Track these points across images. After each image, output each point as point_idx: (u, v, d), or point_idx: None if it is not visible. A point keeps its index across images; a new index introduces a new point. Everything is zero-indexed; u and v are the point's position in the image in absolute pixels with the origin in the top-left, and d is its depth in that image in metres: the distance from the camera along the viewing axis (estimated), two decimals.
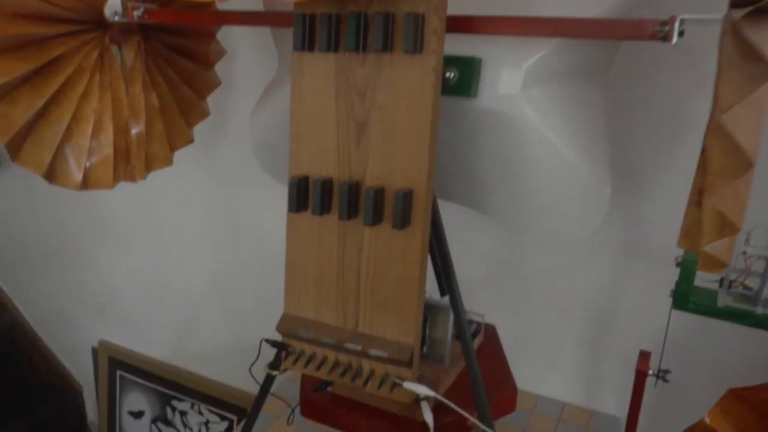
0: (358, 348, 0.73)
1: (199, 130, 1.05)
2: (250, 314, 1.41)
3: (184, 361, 1.55)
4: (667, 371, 0.89)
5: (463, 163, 0.77)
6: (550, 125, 0.73)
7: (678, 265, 0.82)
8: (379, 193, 0.68)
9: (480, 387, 0.78)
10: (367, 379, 0.73)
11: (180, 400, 1.57)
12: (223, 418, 1.52)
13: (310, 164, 0.72)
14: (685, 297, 0.81)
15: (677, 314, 1.05)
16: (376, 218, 0.68)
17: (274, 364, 0.88)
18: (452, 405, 0.73)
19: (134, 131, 0.98)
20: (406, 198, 0.67)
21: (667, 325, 0.86)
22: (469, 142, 0.75)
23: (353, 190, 0.69)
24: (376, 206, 0.68)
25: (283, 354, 0.77)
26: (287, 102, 0.80)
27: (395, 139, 0.67)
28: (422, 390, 0.72)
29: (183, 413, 1.58)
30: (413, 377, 0.73)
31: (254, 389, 1.49)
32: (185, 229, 1.40)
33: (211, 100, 1.06)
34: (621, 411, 1.16)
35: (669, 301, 1.02)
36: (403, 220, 0.67)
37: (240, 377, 1.48)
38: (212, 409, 1.53)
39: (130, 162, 0.98)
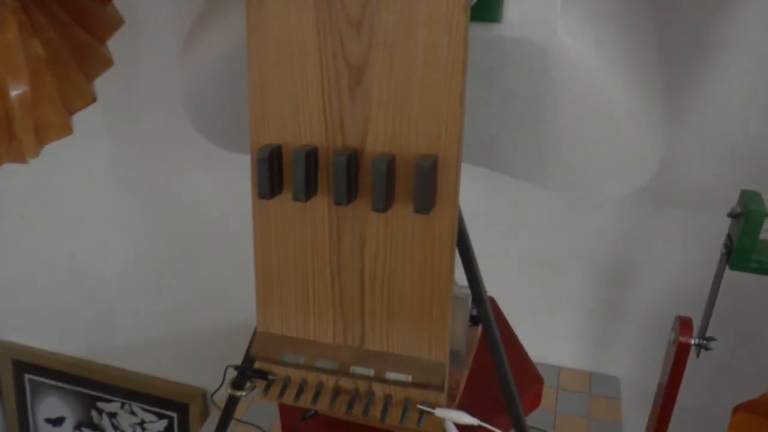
0: (370, 372, 0.54)
1: (102, 84, 0.80)
2: (184, 296, 1.19)
3: (109, 357, 1.32)
4: (711, 339, 0.75)
5: (480, 109, 0.57)
6: (592, 57, 0.55)
7: (734, 216, 0.67)
8: (392, 164, 0.48)
9: (515, 397, 0.61)
10: (384, 409, 0.54)
11: (107, 400, 1.35)
12: (161, 416, 1.31)
13: (283, 129, 0.51)
14: (747, 255, 0.66)
15: (699, 267, 0.92)
16: (388, 200, 0.48)
17: (239, 383, 0.67)
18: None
19: (14, 93, 0.72)
20: (433, 168, 0.47)
21: (717, 288, 0.71)
22: (491, 83, 0.55)
23: (352, 161, 0.49)
24: (389, 183, 0.48)
25: (264, 385, 0.57)
26: (232, 36, 0.58)
27: (410, 86, 0.47)
28: (463, 418, 0.54)
29: (112, 415, 1.36)
30: (445, 402, 0.55)
31: (197, 381, 1.28)
32: (95, 205, 1.15)
33: (114, 44, 0.81)
34: (620, 371, 1.03)
35: (696, 256, 0.89)
36: (429, 200, 0.47)
37: (178, 369, 1.28)
38: (147, 407, 1.32)
39: (14, 136, 0.73)
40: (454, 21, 0.45)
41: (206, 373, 1.24)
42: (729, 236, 0.69)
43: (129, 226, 1.17)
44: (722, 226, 0.88)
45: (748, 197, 0.66)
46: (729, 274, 0.72)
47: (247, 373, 0.57)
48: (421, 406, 0.54)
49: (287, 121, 0.51)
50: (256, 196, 0.53)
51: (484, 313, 0.60)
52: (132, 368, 1.31)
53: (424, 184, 0.47)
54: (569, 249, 0.95)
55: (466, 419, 0.54)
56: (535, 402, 0.74)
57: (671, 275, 0.94)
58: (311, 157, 0.50)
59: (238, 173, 1.03)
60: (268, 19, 0.49)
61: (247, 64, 0.51)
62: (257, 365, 0.57)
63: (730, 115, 0.82)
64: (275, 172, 0.51)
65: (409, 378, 0.54)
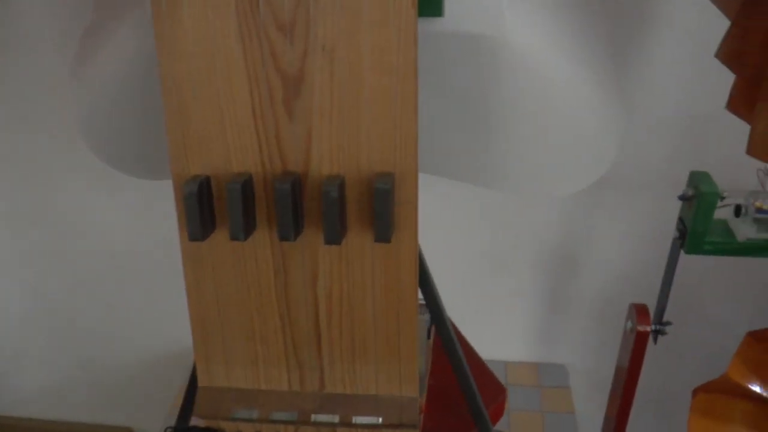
0: (335, 418, 0.48)
1: None
2: (98, 330, 1.08)
3: (19, 407, 1.19)
4: (667, 323, 0.73)
5: (423, 112, 0.52)
6: (544, 49, 0.50)
7: (686, 198, 0.64)
8: (342, 188, 0.41)
9: (484, 416, 0.56)
10: None
11: None
12: None
13: (210, 156, 0.43)
14: (701, 237, 0.64)
15: (642, 251, 0.91)
16: (342, 230, 0.42)
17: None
18: None
19: None
20: (393, 190, 0.41)
21: (672, 272, 0.69)
22: (434, 83, 0.50)
23: (297, 188, 0.42)
24: (342, 210, 0.42)
25: None
26: (130, 51, 0.50)
27: (357, 96, 0.41)
28: None
29: None
30: None
31: (120, 420, 1.18)
32: None
33: None
34: (567, 359, 1.01)
35: (639, 241, 0.87)
36: (390, 227, 0.41)
37: (98, 411, 1.16)
38: None
39: None
40: (403, 19, 0.39)
41: (129, 411, 1.14)
42: (681, 219, 0.66)
43: (25, 265, 1.04)
44: (663, 209, 0.87)
45: (698, 179, 0.63)
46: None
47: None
48: None
49: (214, 147, 0.43)
50: (185, 237, 0.45)
51: (447, 336, 0.55)
52: (45, 416, 1.18)
53: (384, 209, 0.41)
54: (511, 243, 0.92)
55: None
56: (498, 413, 0.70)
57: (614, 262, 0.93)
58: (248, 188, 0.43)
59: (146, 196, 0.94)
60: (182, 30, 0.41)
61: (157, 82, 0.43)
62: (207, 424, 0.50)
63: (669, 96, 0.80)
64: (206, 209, 0.43)
65: (380, 420, 0.48)
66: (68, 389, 1.17)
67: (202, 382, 0.50)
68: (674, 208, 0.80)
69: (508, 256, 0.95)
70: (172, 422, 0.94)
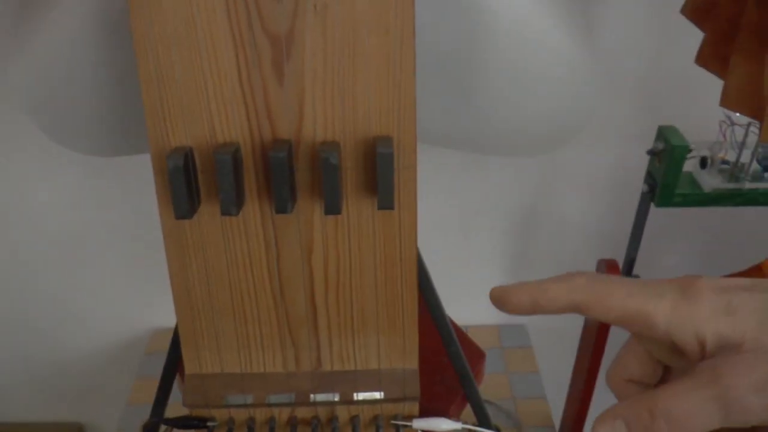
0: (334, 397, 0.46)
1: None
2: (39, 322, 1.03)
3: None
4: (635, 277, 0.75)
5: None
6: (522, 4, 0.49)
7: (656, 153, 0.65)
8: (336, 156, 0.40)
9: (473, 384, 0.56)
10: None
11: None
12: None
13: (192, 127, 0.41)
14: (671, 191, 0.65)
15: (602, 208, 0.92)
16: (340, 199, 0.40)
17: (152, 425, 0.57)
18: None
19: None
20: (391, 155, 0.39)
21: (642, 226, 0.70)
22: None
23: (290, 158, 0.40)
24: (339, 178, 0.40)
25: None
26: (86, 10, 0.46)
27: (352, 57, 0.39)
28: (443, 425, 0.48)
29: None
30: (417, 410, 0.49)
31: (71, 416, 1.13)
32: None
33: None
34: (528, 319, 1.03)
35: (600, 196, 0.88)
36: (392, 193, 0.40)
37: (42, 408, 1.11)
38: None
39: None
40: None
41: (78, 406, 1.09)
42: (650, 173, 0.68)
43: None
44: (619, 164, 0.89)
45: (668, 132, 0.64)
46: (633, 208, 0.72)
47: (185, 422, 0.47)
48: (396, 422, 0.48)
49: (197, 116, 0.41)
50: (168, 216, 0.42)
51: (433, 299, 0.54)
52: None
53: (388, 174, 0.39)
54: (470, 205, 0.92)
55: (447, 425, 0.48)
56: (479, 378, 0.70)
57: (574, 219, 0.94)
58: (237, 159, 0.40)
59: (83, 176, 0.89)
60: None
61: (117, 48, 0.40)
62: (194, 412, 0.48)
63: (628, 52, 0.80)
64: (191, 185, 0.41)
65: (381, 394, 0.47)
66: (8, 387, 1.11)
67: (189, 369, 0.47)
68: (630, 162, 0.82)
69: (467, 218, 0.95)
70: (131, 416, 0.91)
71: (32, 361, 1.07)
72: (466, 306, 1.02)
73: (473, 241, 0.97)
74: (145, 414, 0.55)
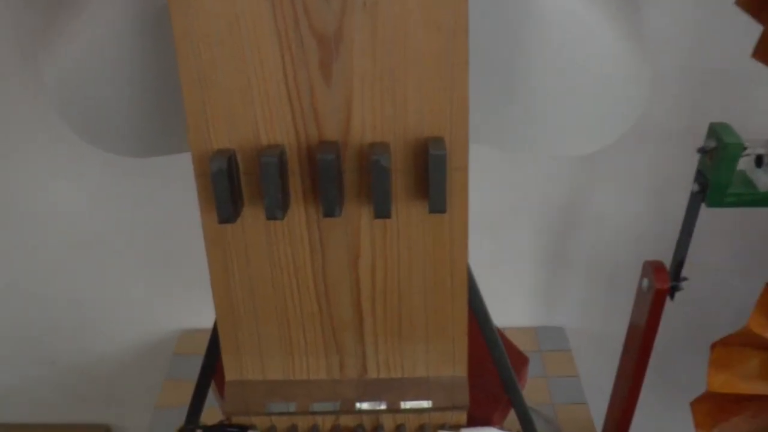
0: (381, 405, 0.46)
1: None
2: (64, 324, 1.04)
3: None
4: (684, 279, 0.74)
5: None
6: None
7: (707, 150, 0.64)
8: (388, 158, 0.39)
9: (518, 392, 0.56)
10: None
11: None
12: None
13: (235, 129, 0.40)
14: (723, 189, 0.64)
15: (643, 207, 0.91)
16: (390, 202, 0.40)
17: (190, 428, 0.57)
18: None
19: None
20: (444, 156, 0.39)
21: (691, 227, 0.69)
22: None
23: (338, 160, 0.39)
24: (390, 181, 0.40)
25: None
26: (128, 4, 0.46)
27: (403, 56, 0.38)
28: None
29: None
30: (465, 420, 0.48)
31: (98, 418, 1.14)
32: None
33: None
34: (564, 321, 1.02)
35: (638, 196, 0.87)
36: (444, 196, 0.39)
37: (69, 409, 1.12)
38: None
39: None
40: None
41: (104, 408, 1.10)
42: (700, 172, 0.66)
43: None
44: (664, 162, 0.87)
45: (720, 130, 0.63)
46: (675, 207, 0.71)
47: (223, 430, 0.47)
48: (444, 431, 0.47)
49: (240, 118, 0.40)
50: (210, 220, 0.42)
51: (479, 303, 0.54)
52: (11, 420, 1.13)
53: (440, 177, 0.39)
54: (507, 201, 0.91)
55: None
56: (522, 384, 0.69)
57: (614, 219, 0.93)
58: (283, 162, 0.40)
59: (105, 179, 0.89)
60: None
61: (154, 46, 0.40)
62: (235, 420, 0.47)
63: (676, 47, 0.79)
64: (234, 189, 0.41)
65: (429, 403, 0.46)
66: (35, 389, 1.12)
67: (230, 375, 0.47)
68: (672, 159, 0.81)
69: (503, 215, 0.94)
70: (160, 419, 0.92)
71: (59, 363, 1.08)
72: (500, 307, 1.01)
73: (507, 240, 0.96)
74: (174, 417, 0.55)
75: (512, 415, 0.59)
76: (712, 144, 0.63)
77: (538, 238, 0.97)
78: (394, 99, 0.40)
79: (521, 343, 1.02)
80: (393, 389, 0.47)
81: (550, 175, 0.91)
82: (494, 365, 0.53)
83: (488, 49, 0.49)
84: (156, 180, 0.88)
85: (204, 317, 1.00)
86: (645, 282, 0.73)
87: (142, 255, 0.96)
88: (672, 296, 0.74)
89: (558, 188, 0.92)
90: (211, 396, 0.55)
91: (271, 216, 0.40)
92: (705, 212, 0.68)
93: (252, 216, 0.43)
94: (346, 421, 0.48)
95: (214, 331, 0.54)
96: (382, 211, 0.39)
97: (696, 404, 0.73)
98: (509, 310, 1.04)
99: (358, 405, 0.47)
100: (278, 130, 0.41)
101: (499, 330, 0.70)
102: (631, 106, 0.56)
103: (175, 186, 0.88)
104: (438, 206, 0.39)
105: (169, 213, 0.91)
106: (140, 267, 0.98)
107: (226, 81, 0.40)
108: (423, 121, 0.40)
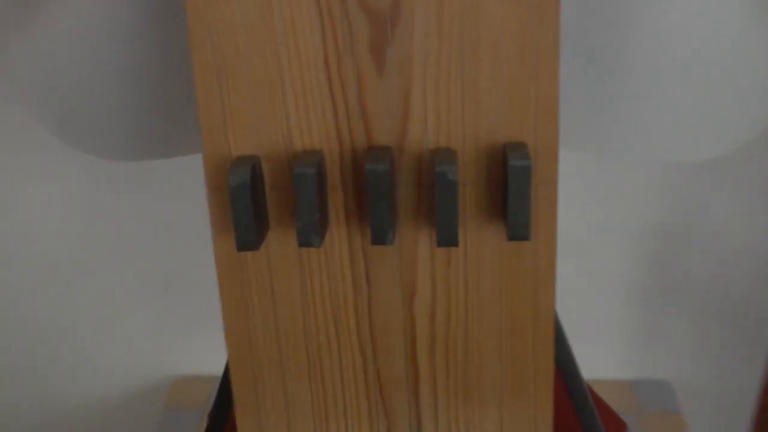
0: None
1: None
2: (38, 364, 1.06)
3: None
4: None
5: None
6: None
7: None
8: (455, 170, 0.40)
9: None
10: None
11: None
12: None
13: (261, 131, 0.42)
14: None
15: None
16: (456, 225, 0.40)
17: None
18: None
19: None
20: (528, 168, 0.39)
21: None
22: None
23: (392, 171, 0.40)
24: (457, 198, 0.40)
25: None
26: None
27: (476, 38, 0.39)
28: None
29: None
30: None
31: None
32: None
33: None
34: (672, 372, 1.01)
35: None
36: (528, 219, 0.40)
37: None
38: None
39: None
40: None
41: None
42: None
43: None
44: None
45: None
46: None
47: None
48: None
49: (268, 117, 0.41)
50: (226, 246, 0.43)
51: (566, 354, 0.54)
52: None
53: (523, 194, 0.39)
54: (595, 218, 0.91)
55: None
56: None
57: (733, 244, 0.92)
58: (322, 173, 0.40)
59: (87, 187, 0.91)
60: None
61: (170, 27, 0.41)
62: None
63: None
64: (259, 206, 0.41)
65: None
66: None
67: None
68: None
69: (589, 235, 0.94)
70: None
71: (26, 411, 1.11)
72: (587, 353, 1.01)
73: (594, 268, 0.96)
74: None
75: None
76: None
77: (635, 265, 0.96)
78: (464, 93, 0.40)
79: (615, 401, 1.02)
80: None
81: (651, 185, 0.91)
82: None
83: (584, 28, 0.50)
84: (152, 190, 0.90)
85: (206, 361, 1.02)
86: None
87: (129, 281, 0.98)
88: None
89: (661, 202, 0.92)
90: None
91: (304, 242, 0.41)
92: None
93: (280, 242, 0.43)
94: None
95: (224, 384, 0.54)
96: (447, 237, 0.40)
97: None
98: (598, 358, 1.04)
99: None
100: (316, 133, 0.41)
101: (589, 388, 0.70)
102: (764, 104, 0.56)
103: (177, 198, 0.90)
104: (519, 232, 0.40)
105: (165, 229, 0.92)
106: (128, 296, 1.00)
107: (251, 71, 0.40)
108: (501, 122, 0.40)
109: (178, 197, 0.90)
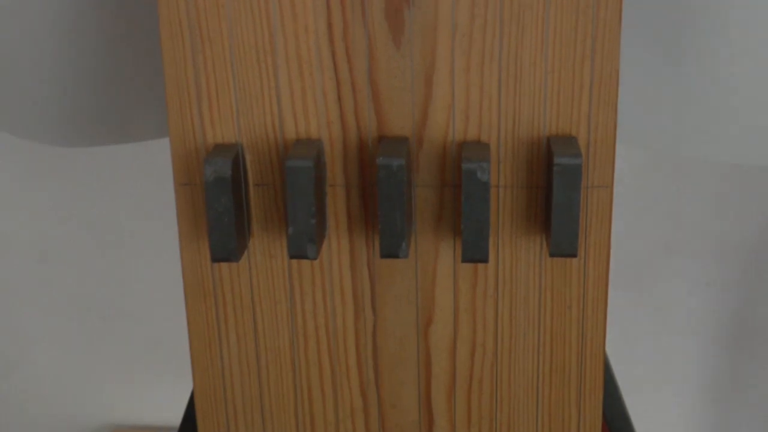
0: None
1: None
2: None
3: None
4: None
5: None
6: None
7: None
8: (488, 168, 0.41)
9: None
10: None
11: None
12: None
13: (247, 114, 0.43)
14: None
15: None
16: (487, 236, 0.42)
17: None
18: None
19: None
20: (578, 168, 0.41)
21: None
22: None
23: (408, 168, 0.41)
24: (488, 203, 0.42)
25: None
26: None
27: (517, 9, 0.40)
28: None
29: None
30: None
31: None
32: None
33: None
34: None
35: None
36: (576, 231, 0.41)
37: None
38: None
39: None
40: None
41: None
42: None
43: None
44: None
45: None
46: None
47: None
48: None
49: (254, 96, 0.43)
50: (195, 256, 0.44)
51: (622, 418, 0.56)
52: None
53: (569, 199, 0.40)
54: (658, 244, 0.92)
55: None
56: None
57: None
58: (320, 167, 0.42)
59: (16, 173, 0.92)
60: None
61: None
62: None
63: None
64: (242, 206, 0.43)
65: None
66: None
67: None
68: None
69: (646, 263, 0.96)
70: None
71: None
72: (648, 418, 1.02)
73: (656, 304, 0.97)
74: None
75: None
76: None
77: (708, 301, 0.98)
78: (502, 72, 0.41)
79: None
80: None
81: (729, 198, 0.92)
82: None
83: (664, 19, 0.52)
84: (83, 183, 0.90)
85: (151, 407, 1.02)
86: None
87: (59, 305, 0.99)
88: None
89: (740, 219, 0.93)
90: None
91: (296, 253, 0.42)
92: None
93: (265, 252, 0.45)
94: None
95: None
96: (475, 251, 0.41)
97: None
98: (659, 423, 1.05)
99: None
100: (314, 118, 0.43)
101: None
102: None
103: (130, 194, 0.91)
104: (565, 246, 0.41)
105: (105, 237, 0.93)
106: (51, 324, 1.00)
107: (233, 36, 0.42)
108: (545, 110, 0.42)
109: (134, 194, 0.91)
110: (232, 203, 0.42)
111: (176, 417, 0.55)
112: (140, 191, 0.87)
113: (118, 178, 0.89)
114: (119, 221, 0.92)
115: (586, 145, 0.42)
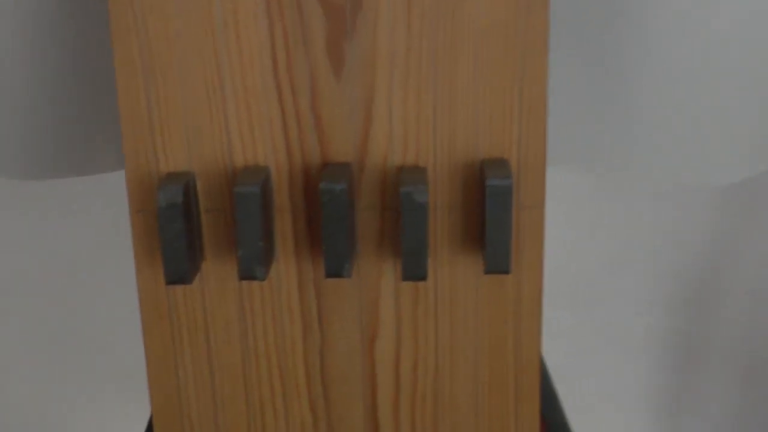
0: None
1: None
2: None
3: None
4: None
5: None
6: None
7: None
8: (425, 190, 0.43)
9: None
10: None
11: None
12: None
13: (197, 141, 0.45)
14: None
15: None
16: (426, 255, 0.44)
17: None
18: None
19: None
20: (509, 189, 0.43)
21: None
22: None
23: (350, 192, 0.43)
24: (427, 225, 0.44)
25: None
26: None
27: (452, 34, 0.43)
28: None
29: None
30: None
31: None
32: None
33: None
34: None
35: None
36: (509, 248, 0.43)
37: None
38: None
39: None
40: None
41: None
42: None
43: None
44: None
45: None
46: None
47: None
48: None
49: (204, 125, 0.44)
50: (150, 279, 0.46)
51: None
52: None
53: (502, 219, 0.42)
54: (612, 257, 0.94)
55: None
56: None
57: None
58: (267, 193, 0.44)
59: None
60: None
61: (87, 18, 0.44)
62: None
63: None
64: (194, 231, 0.45)
65: None
66: None
67: None
68: None
69: (591, 281, 0.97)
70: None
71: None
72: (604, 422, 1.04)
73: (600, 321, 0.99)
74: None
75: None
76: None
77: (665, 313, 0.99)
78: (437, 99, 0.43)
79: None
80: None
81: (675, 214, 0.94)
82: None
83: (580, 23, 0.54)
84: (40, 210, 0.91)
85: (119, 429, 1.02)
86: None
87: (20, 333, 0.99)
88: None
89: (686, 233, 0.95)
90: None
91: (246, 274, 0.44)
92: None
93: (217, 274, 0.46)
94: None
95: None
96: (415, 270, 0.43)
97: None
98: (618, 427, 1.06)
99: None
100: (261, 146, 0.45)
101: None
102: None
103: (84, 221, 0.91)
104: (498, 263, 0.43)
105: (61, 262, 0.94)
106: (18, 354, 1.01)
107: (184, 70, 0.44)
108: (479, 135, 0.44)
109: (89, 222, 0.91)
110: (185, 228, 0.43)
111: None
112: (99, 221, 0.87)
113: (76, 210, 0.90)
114: (78, 252, 0.92)
115: (517, 167, 0.44)
